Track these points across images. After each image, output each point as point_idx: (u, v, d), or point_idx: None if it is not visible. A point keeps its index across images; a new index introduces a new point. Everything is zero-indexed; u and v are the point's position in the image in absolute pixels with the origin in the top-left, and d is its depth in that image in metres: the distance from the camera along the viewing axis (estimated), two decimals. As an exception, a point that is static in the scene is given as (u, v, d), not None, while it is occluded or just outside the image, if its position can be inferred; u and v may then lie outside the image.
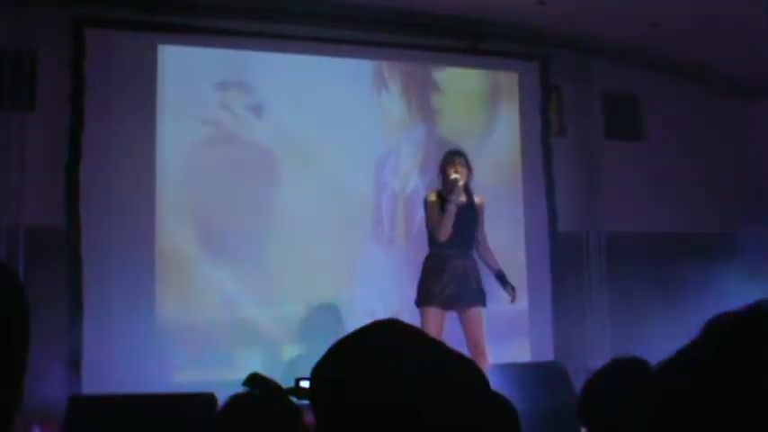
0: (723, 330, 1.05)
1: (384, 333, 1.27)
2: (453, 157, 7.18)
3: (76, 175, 7.87)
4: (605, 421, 2.44)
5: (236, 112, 8.49)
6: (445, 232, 6.97)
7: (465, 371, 1.23)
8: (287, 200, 8.54)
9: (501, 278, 7.33)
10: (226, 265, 8.26)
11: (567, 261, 9.56)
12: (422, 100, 9.22)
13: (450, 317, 7.06)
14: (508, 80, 9.63)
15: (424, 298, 7.00)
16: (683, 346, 1.08)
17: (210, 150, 8.38)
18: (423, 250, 7.35)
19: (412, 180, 8.95)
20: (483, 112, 9.48)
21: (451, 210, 6.97)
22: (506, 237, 9.07)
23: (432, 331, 6.49)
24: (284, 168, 8.59)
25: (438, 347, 1.26)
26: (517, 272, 9.11)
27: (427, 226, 7.24)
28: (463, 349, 6.61)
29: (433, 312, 6.91)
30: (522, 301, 9.03)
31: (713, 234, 9.76)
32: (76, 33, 8.04)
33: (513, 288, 7.30)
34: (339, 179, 8.71)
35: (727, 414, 0.97)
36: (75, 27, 8.05)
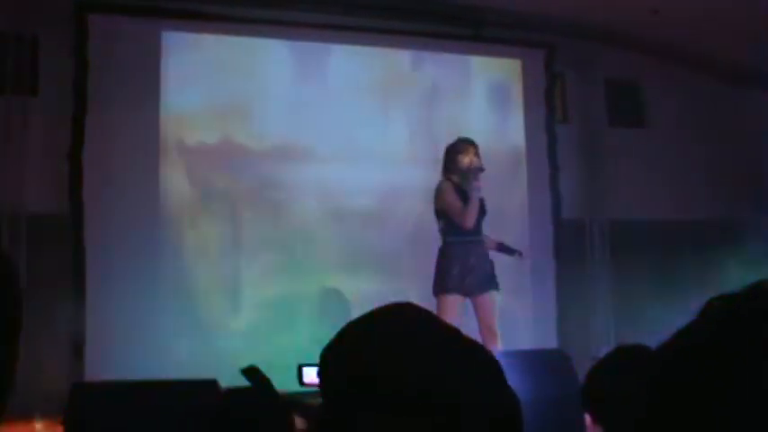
0: (721, 310, 1.04)
1: (399, 316, 1.26)
2: (466, 144, 7.14)
3: (79, 161, 7.86)
4: (609, 408, 2.44)
5: (239, 100, 8.48)
6: (472, 220, 6.96)
7: (479, 357, 1.23)
8: (290, 190, 8.53)
9: (504, 249, 7.43)
10: (230, 252, 8.27)
11: (570, 248, 9.56)
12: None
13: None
14: (512, 67, 9.61)
15: (442, 286, 6.99)
16: (681, 327, 1.08)
17: (214, 139, 8.37)
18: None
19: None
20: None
21: (476, 196, 6.95)
22: (510, 224, 9.07)
23: (451, 319, 6.48)
24: (287, 160, 8.57)
25: (453, 333, 1.25)
26: (521, 259, 9.13)
27: (441, 213, 7.15)
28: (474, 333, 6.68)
29: (453, 300, 6.92)
30: (526, 288, 9.05)
31: (716, 221, 9.76)
32: (79, 18, 8.03)
33: (518, 252, 7.47)
34: (343, 168, 8.70)
35: (726, 396, 0.97)
36: (78, 12, 8.04)
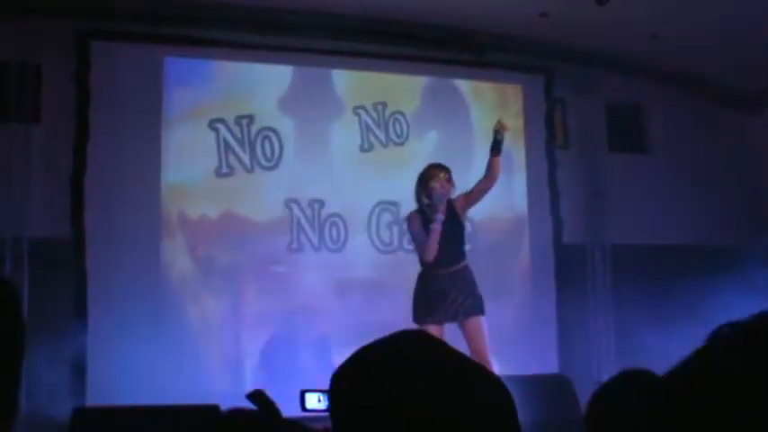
0: (730, 338, 1.05)
1: (411, 343, 1.26)
2: (435, 170, 6.77)
3: (81, 187, 7.88)
4: (613, 433, 2.44)
5: (240, 124, 8.51)
6: (431, 253, 6.64)
7: (488, 385, 1.23)
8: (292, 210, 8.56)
9: (494, 146, 6.80)
10: (232, 275, 8.28)
11: (571, 273, 9.55)
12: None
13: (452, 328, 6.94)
14: (513, 93, 9.63)
15: (421, 316, 6.83)
16: (687, 356, 1.08)
17: (216, 164, 8.40)
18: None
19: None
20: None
21: (436, 229, 6.61)
22: (511, 249, 9.09)
23: None
24: (286, 182, 8.61)
25: (464, 361, 1.25)
26: (522, 284, 9.12)
27: (414, 244, 6.99)
28: None
29: (431, 329, 6.49)
30: (528, 313, 9.04)
31: (717, 247, 9.76)
32: (81, 46, 8.07)
33: (498, 132, 6.81)
34: (339, 188, 8.76)
35: (735, 424, 0.97)
36: (80, 39, 8.08)
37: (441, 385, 1.18)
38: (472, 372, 1.24)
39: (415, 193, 6.83)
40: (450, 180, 6.76)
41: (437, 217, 6.61)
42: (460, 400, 1.17)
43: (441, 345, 1.27)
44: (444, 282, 6.71)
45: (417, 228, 6.75)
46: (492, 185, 6.86)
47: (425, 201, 6.74)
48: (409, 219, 6.90)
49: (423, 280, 6.82)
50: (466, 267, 6.82)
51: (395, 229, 8.82)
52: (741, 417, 0.97)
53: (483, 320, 6.77)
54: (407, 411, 1.15)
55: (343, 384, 1.25)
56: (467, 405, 1.17)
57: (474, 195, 6.88)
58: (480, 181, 6.86)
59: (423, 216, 6.76)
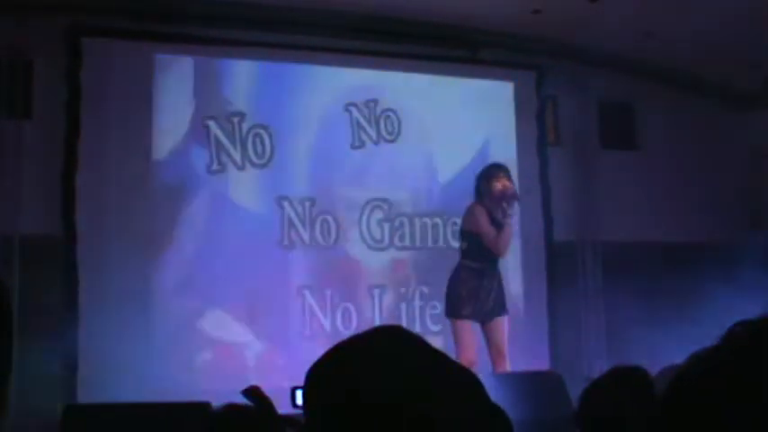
0: (744, 336, 1.05)
1: (386, 337, 1.26)
2: (498, 171, 7.18)
3: (73, 183, 7.87)
4: (605, 429, 2.44)
5: (231, 122, 8.50)
6: (506, 248, 7.09)
7: (465, 380, 1.23)
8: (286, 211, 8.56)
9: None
10: (223, 270, 8.28)
11: (562, 270, 9.57)
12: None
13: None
14: (504, 90, 9.63)
15: (455, 311, 7.01)
16: (701, 352, 1.08)
17: (207, 161, 8.38)
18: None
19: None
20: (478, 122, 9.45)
21: (510, 224, 7.04)
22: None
23: (468, 343, 6.79)
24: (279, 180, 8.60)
25: (439, 356, 1.25)
26: (513, 281, 9.13)
27: (467, 235, 7.21)
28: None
29: (468, 325, 6.98)
30: (519, 311, 9.06)
31: (708, 244, 9.77)
32: (72, 42, 8.05)
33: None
34: (330, 186, 8.76)
35: (747, 423, 0.97)
36: (71, 36, 8.07)
37: (414, 380, 1.18)
38: (446, 367, 1.24)
39: (476, 189, 7.23)
40: (509, 179, 7.20)
41: (510, 212, 7.04)
42: (434, 396, 1.17)
43: (416, 340, 1.27)
44: (488, 279, 7.12)
45: (485, 221, 7.06)
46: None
47: (491, 197, 7.09)
48: (472, 211, 7.19)
49: (464, 272, 7.14)
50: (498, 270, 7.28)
51: (386, 226, 8.84)
52: (751, 416, 0.97)
53: (506, 321, 7.27)
54: (380, 407, 1.15)
55: (316, 381, 1.24)
56: (440, 400, 1.17)
57: None
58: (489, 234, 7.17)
59: (487, 211, 7.09)
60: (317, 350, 1.32)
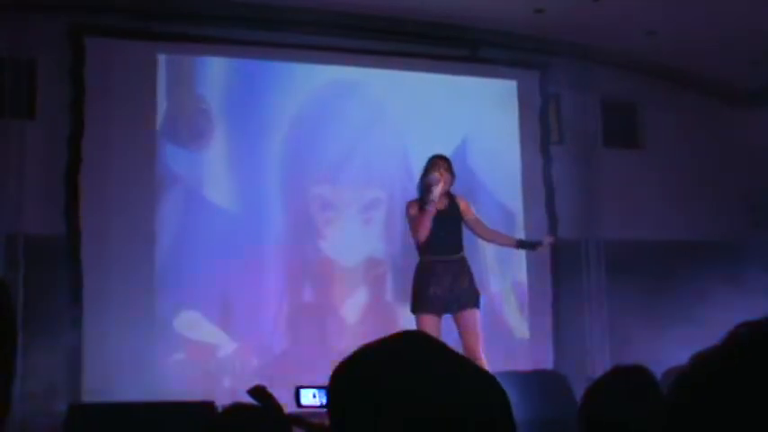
0: (747, 337, 1.05)
1: (410, 343, 1.28)
2: (436, 160, 6.95)
3: (76, 183, 7.88)
4: (607, 429, 2.44)
5: (233, 120, 8.50)
6: (423, 232, 6.76)
7: (485, 387, 1.24)
8: (290, 209, 8.57)
9: (524, 245, 7.39)
10: (227, 271, 8.28)
11: (566, 268, 9.56)
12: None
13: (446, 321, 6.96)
14: (507, 88, 9.62)
15: (417, 305, 6.91)
16: (703, 352, 1.08)
17: (209, 158, 8.38)
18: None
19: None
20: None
21: (429, 210, 6.73)
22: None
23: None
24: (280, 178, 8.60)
25: (463, 362, 1.27)
26: (517, 280, 9.14)
27: (411, 230, 7.04)
28: None
29: (428, 319, 6.71)
30: (522, 308, 9.07)
31: (712, 242, 9.77)
32: (76, 42, 8.07)
33: (540, 243, 7.36)
34: (345, 186, 8.77)
35: (750, 424, 0.97)
36: (75, 35, 8.07)
37: (439, 386, 1.19)
38: (470, 373, 1.25)
39: (418, 184, 6.96)
40: (448, 169, 6.92)
41: (430, 198, 6.72)
42: (458, 401, 1.18)
43: (440, 345, 1.28)
44: (441, 269, 6.83)
45: (413, 212, 6.88)
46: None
47: (423, 188, 6.86)
48: (407, 205, 7.02)
49: (421, 268, 6.92)
50: (463, 259, 6.94)
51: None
52: (755, 419, 0.97)
53: (478, 315, 6.84)
54: (405, 411, 1.16)
55: (342, 383, 1.25)
56: (464, 406, 1.18)
57: (471, 224, 7.07)
58: (485, 230, 7.13)
59: (420, 204, 6.85)
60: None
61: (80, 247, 7.83)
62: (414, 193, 7.02)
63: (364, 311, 8.64)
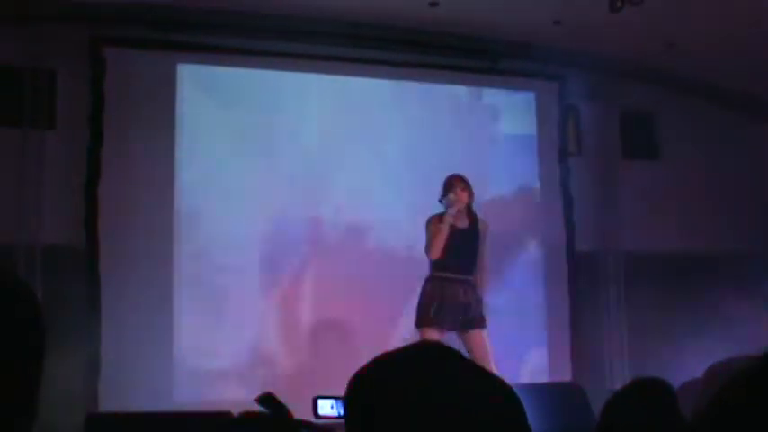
0: None
1: (429, 352, 1.28)
2: (453, 180, 7.01)
3: (95, 193, 7.90)
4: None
5: (254, 133, 8.51)
6: (436, 251, 6.83)
7: (503, 398, 1.24)
8: (312, 217, 8.56)
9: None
10: (245, 282, 8.29)
11: (584, 280, 9.53)
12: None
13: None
14: (525, 100, 9.62)
15: (422, 320, 6.91)
16: (744, 369, 1.07)
17: (229, 170, 8.39)
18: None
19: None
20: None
21: (444, 228, 6.83)
22: (524, 257, 9.07)
23: None
24: (303, 187, 8.59)
25: (480, 373, 1.27)
26: (535, 292, 9.12)
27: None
28: None
29: (433, 334, 6.71)
30: (540, 321, 9.04)
31: (731, 255, 9.71)
32: (95, 52, 8.10)
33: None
34: (360, 197, 8.74)
35: None
36: (94, 46, 8.11)
37: (457, 396, 1.19)
38: (488, 384, 1.24)
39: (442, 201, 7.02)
40: (465, 188, 6.99)
41: (446, 218, 6.86)
42: (475, 412, 1.18)
43: (459, 356, 1.28)
44: (451, 286, 6.87)
45: (429, 228, 6.97)
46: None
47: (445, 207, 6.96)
48: (427, 221, 7.06)
49: (431, 283, 6.94)
50: (475, 280, 7.01)
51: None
52: None
53: (486, 334, 6.92)
54: (423, 420, 1.16)
55: (361, 391, 1.25)
56: (481, 417, 1.17)
57: (481, 249, 7.13)
58: (482, 261, 7.13)
59: (438, 221, 6.95)
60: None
61: (98, 258, 7.85)
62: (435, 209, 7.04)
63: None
